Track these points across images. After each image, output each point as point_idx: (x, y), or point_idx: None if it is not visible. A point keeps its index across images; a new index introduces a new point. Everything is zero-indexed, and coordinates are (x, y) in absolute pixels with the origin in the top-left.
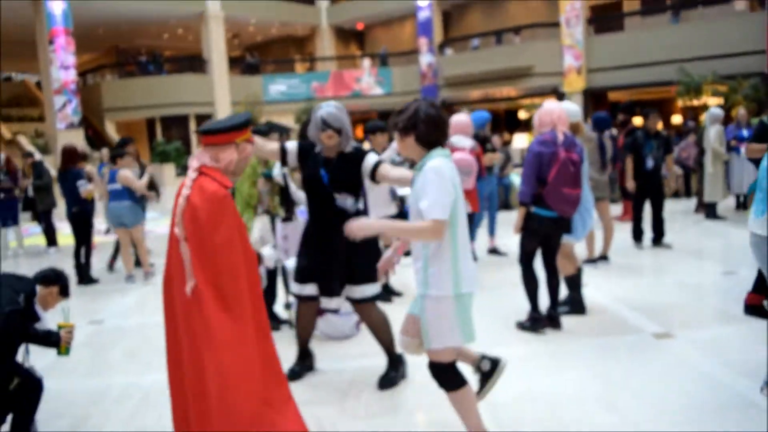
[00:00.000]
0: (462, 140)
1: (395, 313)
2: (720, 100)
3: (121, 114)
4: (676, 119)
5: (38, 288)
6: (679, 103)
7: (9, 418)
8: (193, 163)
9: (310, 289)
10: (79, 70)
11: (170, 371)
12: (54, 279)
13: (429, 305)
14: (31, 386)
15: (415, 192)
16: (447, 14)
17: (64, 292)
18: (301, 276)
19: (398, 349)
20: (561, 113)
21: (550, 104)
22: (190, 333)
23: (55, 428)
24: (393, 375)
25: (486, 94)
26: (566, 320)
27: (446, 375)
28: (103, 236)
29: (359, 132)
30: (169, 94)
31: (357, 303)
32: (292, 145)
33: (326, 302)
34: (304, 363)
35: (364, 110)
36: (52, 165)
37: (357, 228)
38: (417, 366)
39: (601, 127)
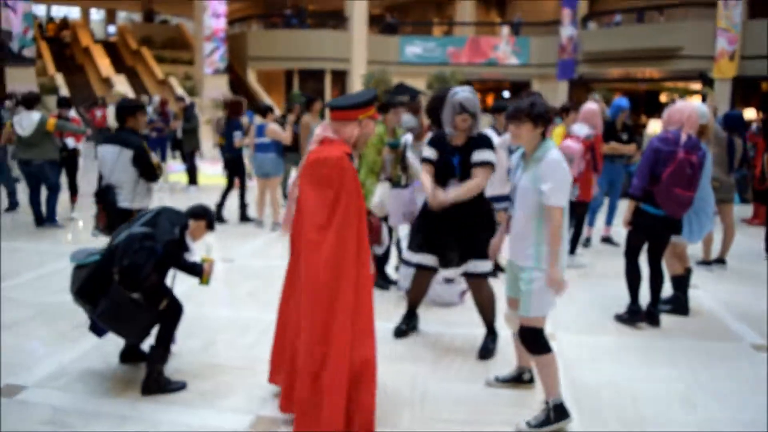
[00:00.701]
0: (582, 128)
1: (497, 286)
2: None
3: (263, 63)
4: None
5: (190, 221)
6: None
7: (153, 331)
8: (318, 131)
9: (428, 259)
10: (228, 19)
11: (282, 305)
12: (202, 214)
13: (539, 277)
14: (175, 307)
15: (535, 176)
16: None
17: (210, 227)
18: (418, 245)
19: (497, 325)
20: (692, 114)
21: (683, 103)
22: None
23: (189, 346)
24: (491, 347)
25: (626, 73)
26: (666, 319)
27: (538, 340)
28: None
29: (491, 101)
30: (308, 47)
31: (471, 277)
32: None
33: (443, 271)
34: (410, 323)
35: (497, 79)
36: (198, 107)
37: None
38: (508, 341)
39: (732, 127)
